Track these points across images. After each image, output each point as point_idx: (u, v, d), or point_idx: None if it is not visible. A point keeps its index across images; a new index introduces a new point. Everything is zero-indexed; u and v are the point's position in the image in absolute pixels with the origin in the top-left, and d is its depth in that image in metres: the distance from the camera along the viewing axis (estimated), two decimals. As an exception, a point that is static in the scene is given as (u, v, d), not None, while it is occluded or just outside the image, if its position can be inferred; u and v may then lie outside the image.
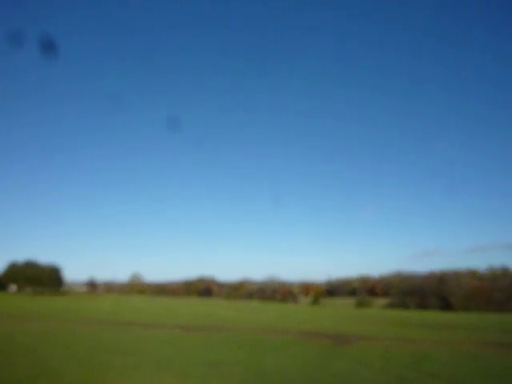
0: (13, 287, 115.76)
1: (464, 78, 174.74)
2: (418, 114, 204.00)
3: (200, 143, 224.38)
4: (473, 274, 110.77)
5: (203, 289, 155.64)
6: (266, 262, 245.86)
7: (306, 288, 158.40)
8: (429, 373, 13.94)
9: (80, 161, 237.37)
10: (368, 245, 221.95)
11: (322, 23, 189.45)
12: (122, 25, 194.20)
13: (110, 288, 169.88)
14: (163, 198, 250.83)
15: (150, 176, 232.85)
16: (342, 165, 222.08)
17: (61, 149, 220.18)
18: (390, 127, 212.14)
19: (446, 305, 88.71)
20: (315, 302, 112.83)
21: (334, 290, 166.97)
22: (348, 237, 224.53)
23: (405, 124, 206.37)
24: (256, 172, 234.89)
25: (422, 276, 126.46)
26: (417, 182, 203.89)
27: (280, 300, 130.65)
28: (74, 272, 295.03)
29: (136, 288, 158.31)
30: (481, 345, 23.55)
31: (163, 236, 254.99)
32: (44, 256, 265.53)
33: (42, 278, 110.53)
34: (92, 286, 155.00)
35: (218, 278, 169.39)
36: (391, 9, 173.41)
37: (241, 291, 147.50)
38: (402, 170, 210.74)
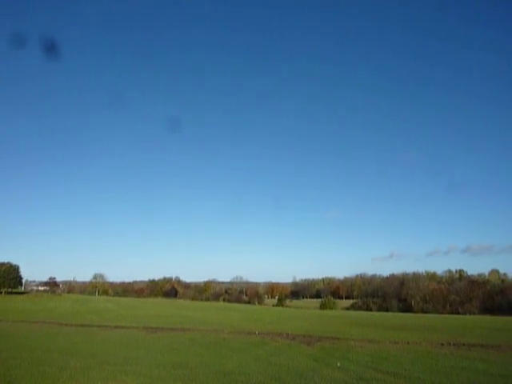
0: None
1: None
2: (386, 125, 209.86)
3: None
4: (432, 277, 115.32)
5: (168, 289, 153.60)
6: (233, 263, 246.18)
7: (272, 289, 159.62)
8: (388, 372, 14.41)
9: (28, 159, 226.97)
10: (333, 247, 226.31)
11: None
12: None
13: (72, 288, 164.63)
14: (129, 198, 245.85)
15: (115, 175, 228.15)
16: (309, 166, 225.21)
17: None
18: (361, 129, 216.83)
19: (406, 306, 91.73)
20: (280, 302, 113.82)
21: (299, 291, 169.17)
22: (314, 239, 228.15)
23: (373, 133, 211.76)
24: (222, 172, 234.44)
25: (384, 279, 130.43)
26: (381, 187, 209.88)
27: (246, 301, 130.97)
28: (34, 272, 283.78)
29: (99, 288, 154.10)
30: (437, 345, 24.55)
31: (128, 236, 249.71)
32: (1, 255, 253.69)
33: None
34: (52, 285, 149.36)
35: (183, 279, 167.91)
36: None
37: (207, 292, 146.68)
38: (367, 176, 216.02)
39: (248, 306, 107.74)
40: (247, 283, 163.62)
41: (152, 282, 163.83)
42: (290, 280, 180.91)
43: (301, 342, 24.20)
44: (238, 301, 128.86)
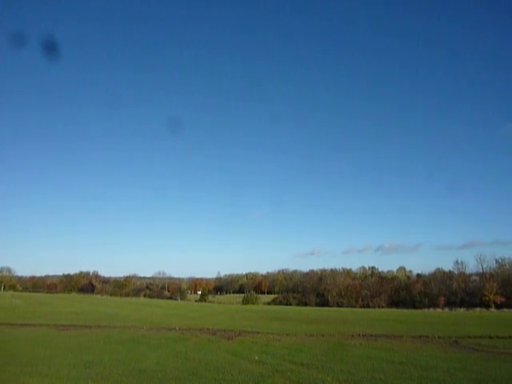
0: None
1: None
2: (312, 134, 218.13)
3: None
4: (347, 274, 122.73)
5: (85, 284, 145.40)
6: (155, 259, 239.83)
7: (195, 284, 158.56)
8: (302, 363, 15.11)
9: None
10: (259, 244, 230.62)
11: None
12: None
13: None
14: (45, 190, 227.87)
15: (36, 169, 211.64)
16: (239, 164, 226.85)
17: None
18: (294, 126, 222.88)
19: (323, 301, 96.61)
20: (203, 298, 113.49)
21: (222, 286, 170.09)
22: (241, 236, 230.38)
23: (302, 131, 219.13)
24: (145, 166, 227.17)
25: (304, 274, 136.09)
26: (306, 188, 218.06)
27: (168, 296, 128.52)
28: None
29: (5, 283, 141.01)
30: (348, 336, 26.26)
31: (41, 228, 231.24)
32: None
33: None
34: None
35: (102, 274, 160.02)
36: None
37: (127, 288, 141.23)
38: (295, 176, 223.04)
39: (170, 301, 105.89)
40: (170, 278, 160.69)
41: (66, 276, 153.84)
42: (214, 276, 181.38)
43: (221, 336, 24.40)
44: (160, 296, 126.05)
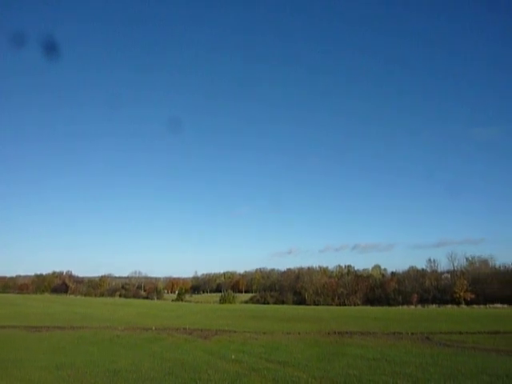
0: None
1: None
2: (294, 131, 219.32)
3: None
4: (324, 272, 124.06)
5: (58, 285, 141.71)
6: (131, 258, 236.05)
7: (172, 284, 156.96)
8: (278, 361, 15.21)
9: None
10: (237, 243, 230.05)
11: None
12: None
13: None
14: (22, 189, 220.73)
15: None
16: (222, 163, 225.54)
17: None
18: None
19: (300, 299, 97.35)
20: (180, 297, 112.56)
21: (200, 285, 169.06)
22: (217, 235, 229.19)
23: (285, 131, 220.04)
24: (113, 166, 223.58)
25: (282, 273, 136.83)
26: (285, 187, 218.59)
27: (144, 296, 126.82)
28: None
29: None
30: (324, 334, 26.59)
31: (11, 228, 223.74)
32: None
33: None
34: None
35: (76, 274, 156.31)
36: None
37: (102, 288, 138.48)
38: (275, 176, 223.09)
39: (146, 301, 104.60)
40: (146, 278, 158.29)
41: (38, 276, 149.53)
42: (191, 275, 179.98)
43: (198, 336, 24.28)
44: (136, 296, 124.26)
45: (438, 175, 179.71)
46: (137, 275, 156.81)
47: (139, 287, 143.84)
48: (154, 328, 28.40)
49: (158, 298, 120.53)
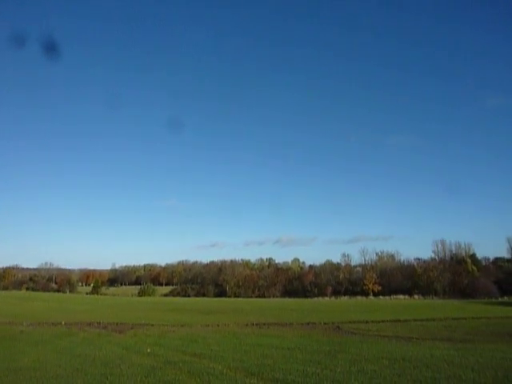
0: None
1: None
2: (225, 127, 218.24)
3: None
4: (246, 265, 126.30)
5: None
6: (41, 248, 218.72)
7: (87, 276, 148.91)
8: (195, 353, 15.19)
9: None
10: (160, 235, 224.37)
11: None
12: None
13: None
14: None
15: None
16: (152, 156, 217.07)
17: None
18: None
19: (221, 291, 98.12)
20: (95, 290, 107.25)
21: (117, 278, 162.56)
22: (140, 226, 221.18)
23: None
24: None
25: (204, 265, 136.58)
26: (213, 180, 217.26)
27: (55, 289, 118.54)
28: None
29: None
30: (242, 325, 27.13)
31: None
32: None
33: None
34: None
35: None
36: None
37: (6, 280, 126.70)
38: (203, 169, 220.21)
39: (56, 294, 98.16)
40: (58, 270, 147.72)
41: None
42: (109, 267, 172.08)
43: (112, 330, 23.38)
44: (46, 289, 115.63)
45: (354, 176, 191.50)
46: (47, 266, 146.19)
47: (50, 279, 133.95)
48: (63, 323, 26.75)
49: (70, 291, 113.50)
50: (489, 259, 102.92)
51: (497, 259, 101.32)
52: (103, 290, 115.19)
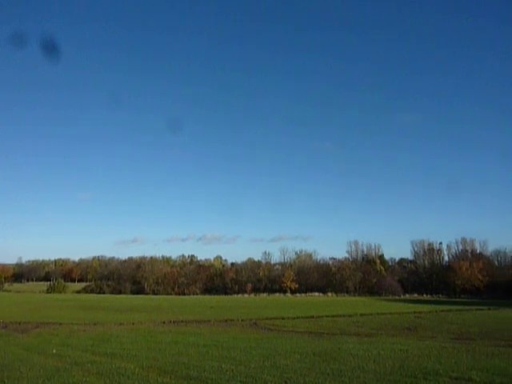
0: None
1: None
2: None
3: None
4: (166, 261, 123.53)
5: None
6: None
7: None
8: (106, 353, 14.53)
9: None
10: (74, 229, 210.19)
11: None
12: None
13: None
14: None
15: None
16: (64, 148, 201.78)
17: None
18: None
19: (139, 289, 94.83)
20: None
21: (24, 273, 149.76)
22: (52, 219, 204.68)
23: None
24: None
25: (122, 262, 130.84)
26: (131, 172, 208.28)
27: None
28: None
29: None
30: (159, 323, 26.56)
31: None
32: None
33: None
34: None
35: None
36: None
37: None
38: (130, 162, 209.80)
39: None
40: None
41: None
42: (14, 261, 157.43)
43: (14, 330, 21.53)
44: None
45: (278, 179, 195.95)
46: None
47: None
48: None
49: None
50: (395, 260, 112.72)
51: (401, 260, 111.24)
52: (6, 286, 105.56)
